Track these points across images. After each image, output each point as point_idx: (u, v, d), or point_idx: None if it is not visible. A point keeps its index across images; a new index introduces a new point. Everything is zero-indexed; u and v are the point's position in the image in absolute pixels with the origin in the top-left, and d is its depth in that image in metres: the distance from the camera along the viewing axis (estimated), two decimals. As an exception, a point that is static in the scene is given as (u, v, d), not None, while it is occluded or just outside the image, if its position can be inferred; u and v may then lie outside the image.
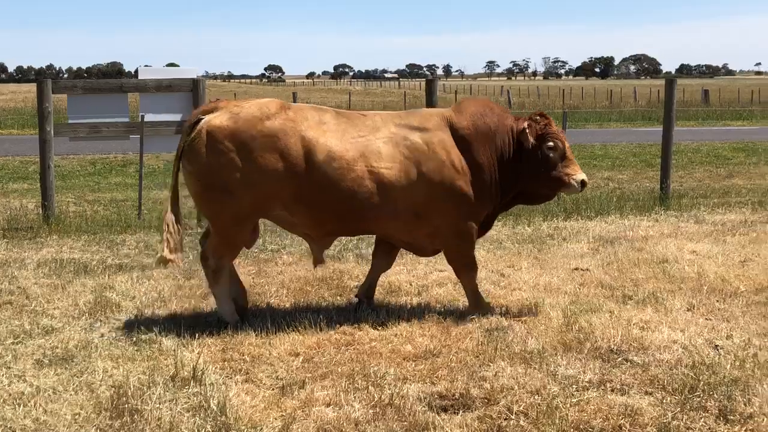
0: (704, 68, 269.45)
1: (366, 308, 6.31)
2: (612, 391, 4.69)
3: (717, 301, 6.54)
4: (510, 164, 6.18)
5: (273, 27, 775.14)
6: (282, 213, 5.93)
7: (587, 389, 4.70)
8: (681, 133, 22.26)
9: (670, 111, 11.88)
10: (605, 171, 17.30)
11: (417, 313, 6.19)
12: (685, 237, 9.12)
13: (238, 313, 6.08)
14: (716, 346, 5.43)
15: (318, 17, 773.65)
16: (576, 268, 7.58)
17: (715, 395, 4.55)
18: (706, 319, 6.08)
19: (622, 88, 68.84)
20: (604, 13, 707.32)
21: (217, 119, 5.76)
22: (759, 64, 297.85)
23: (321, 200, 5.81)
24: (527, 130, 6.13)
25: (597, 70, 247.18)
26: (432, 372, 4.96)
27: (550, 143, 6.17)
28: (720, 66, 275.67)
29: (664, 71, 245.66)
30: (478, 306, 6.25)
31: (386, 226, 6.09)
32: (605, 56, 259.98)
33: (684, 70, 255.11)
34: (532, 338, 5.56)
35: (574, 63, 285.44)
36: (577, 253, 8.33)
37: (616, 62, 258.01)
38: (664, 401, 4.53)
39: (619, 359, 5.18)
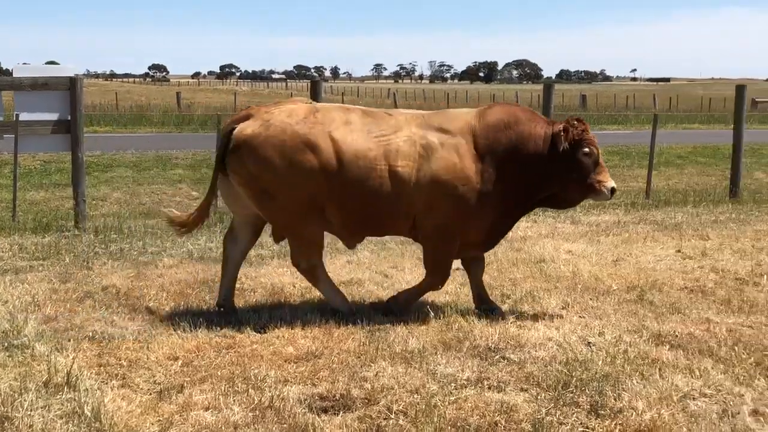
0: (583, 74, 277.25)
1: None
2: (489, 388, 4.77)
3: (590, 299, 6.75)
4: (540, 168, 6.11)
5: (157, 26, 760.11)
6: (325, 206, 6.03)
7: (465, 387, 4.77)
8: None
9: (547, 115, 12.17)
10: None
11: (300, 314, 6.16)
12: (561, 237, 9.38)
13: (230, 313, 6.21)
14: (589, 343, 5.60)
15: (204, 16, 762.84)
16: (457, 268, 7.68)
17: (587, 391, 4.69)
18: (580, 316, 6.26)
19: (504, 92, 70.41)
20: (488, 18, 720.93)
21: (249, 128, 5.95)
22: (634, 70, 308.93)
23: (348, 199, 5.96)
24: (562, 134, 6.07)
25: (481, 74, 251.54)
26: (313, 373, 4.94)
27: (586, 149, 6.12)
28: (598, 72, 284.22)
29: (545, 76, 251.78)
30: (406, 301, 6.33)
31: (400, 225, 6.19)
32: (489, 61, 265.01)
33: (564, 76, 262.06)
34: (413, 338, 5.61)
35: (460, 67, 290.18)
36: (459, 254, 8.45)
37: (500, 67, 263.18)
38: (539, 397, 4.64)
39: (497, 357, 5.28)
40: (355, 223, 6.16)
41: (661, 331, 5.87)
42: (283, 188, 5.91)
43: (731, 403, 4.61)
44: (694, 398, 4.66)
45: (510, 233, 6.88)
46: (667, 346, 5.54)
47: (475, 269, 6.55)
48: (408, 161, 5.98)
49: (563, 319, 6.12)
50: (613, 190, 6.22)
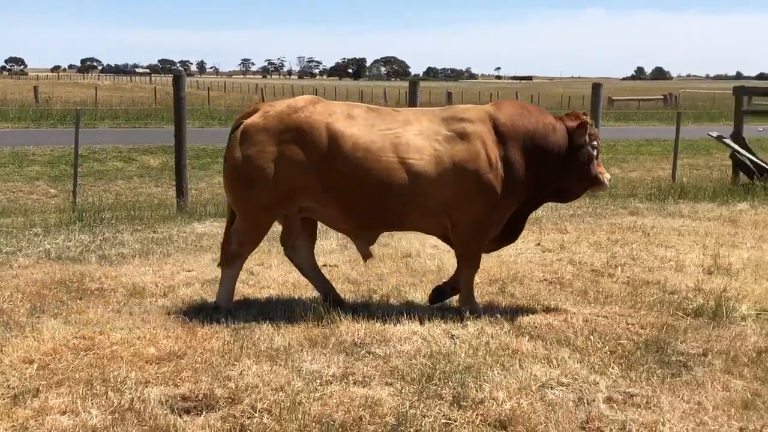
0: (449, 72, 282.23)
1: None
2: (354, 383, 4.79)
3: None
4: (553, 162, 6.24)
5: (14, 16, 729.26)
6: (314, 206, 6.10)
7: (330, 383, 4.77)
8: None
9: (413, 112, 12.33)
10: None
11: (162, 314, 6.03)
12: (427, 232, 9.49)
13: (338, 305, 6.23)
14: (452, 335, 5.69)
15: (65, 7, 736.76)
16: (324, 265, 7.69)
17: (450, 383, 4.77)
18: (445, 310, 6.36)
19: (373, 89, 70.88)
20: (357, 15, 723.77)
21: (251, 119, 6.07)
22: (499, 68, 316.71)
23: (348, 191, 5.95)
24: (580, 129, 6.27)
25: (350, 70, 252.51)
26: (175, 374, 4.84)
27: (594, 142, 6.36)
28: (464, 70, 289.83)
29: (412, 73, 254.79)
30: (468, 301, 6.33)
31: (418, 220, 6.20)
32: (358, 57, 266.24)
33: (431, 73, 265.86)
34: (278, 335, 5.57)
35: (328, 63, 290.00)
36: (326, 250, 8.46)
37: (368, 64, 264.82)
38: (403, 391, 4.69)
39: (363, 352, 5.30)
40: (361, 215, 6.09)
41: (521, 322, 6.02)
42: (265, 177, 5.93)
43: (587, 391, 4.77)
44: (551, 387, 4.80)
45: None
46: (527, 337, 5.69)
47: None
48: (422, 155, 5.96)
49: (428, 313, 6.19)
50: (609, 181, 6.54)
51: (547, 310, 6.41)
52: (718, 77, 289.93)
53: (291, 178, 5.93)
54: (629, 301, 6.66)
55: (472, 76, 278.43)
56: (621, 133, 28.95)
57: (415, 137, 6.02)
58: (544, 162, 6.22)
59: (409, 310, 6.25)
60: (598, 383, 4.89)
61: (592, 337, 5.69)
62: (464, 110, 6.29)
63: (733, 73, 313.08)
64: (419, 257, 8.06)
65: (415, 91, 12.37)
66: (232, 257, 6.22)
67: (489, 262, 7.92)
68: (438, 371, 4.92)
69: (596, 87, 13.97)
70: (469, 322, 5.95)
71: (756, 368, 5.17)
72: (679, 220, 10.82)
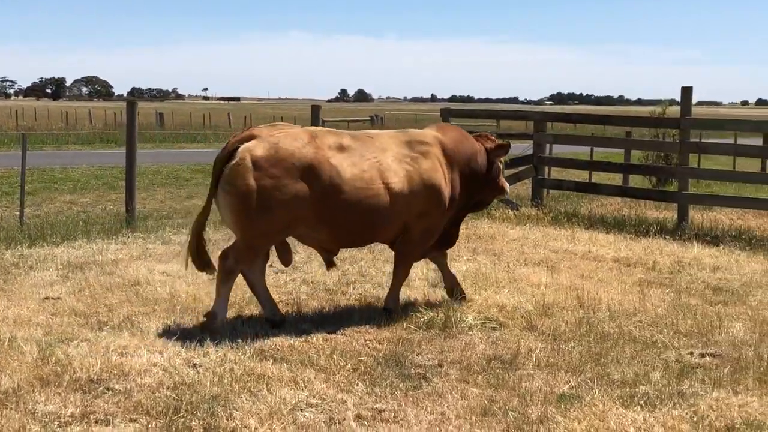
0: (156, 92, 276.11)
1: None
2: (96, 422, 4.54)
3: (191, 319, 6.69)
4: (479, 178, 7.32)
5: None
6: (307, 231, 6.65)
7: (70, 424, 4.49)
8: (141, 155, 22.44)
9: (132, 133, 11.94)
10: (67, 195, 16.75)
11: None
12: (154, 258, 9.20)
13: (280, 324, 6.58)
14: (195, 364, 5.55)
15: None
16: (47, 298, 7.22)
17: (198, 413, 4.65)
18: (183, 338, 6.17)
19: (76, 109, 67.64)
20: (54, 33, 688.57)
21: (259, 148, 6.35)
22: (206, 89, 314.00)
23: (343, 218, 6.56)
24: (499, 150, 7.43)
25: (48, 90, 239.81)
26: None
27: (503, 158, 7.65)
28: (170, 90, 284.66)
29: (116, 94, 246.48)
30: (394, 300, 7.09)
31: (389, 234, 6.94)
32: (57, 77, 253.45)
33: (135, 93, 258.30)
34: (5, 376, 5.14)
35: (24, 83, 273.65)
36: (47, 281, 7.93)
37: (68, 83, 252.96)
38: (150, 426, 4.51)
39: (101, 388, 5.03)
40: (348, 236, 6.83)
41: (263, 346, 5.99)
42: (275, 207, 6.33)
43: (336, 410, 4.84)
44: (302, 410, 4.82)
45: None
46: (271, 361, 5.68)
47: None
48: (399, 177, 6.70)
49: (166, 343, 5.99)
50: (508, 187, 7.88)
51: (287, 331, 6.42)
52: (415, 99, 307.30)
53: (297, 209, 6.41)
54: (364, 318, 6.83)
55: (179, 96, 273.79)
56: (335, 154, 29.78)
57: (392, 162, 6.76)
58: (474, 178, 7.27)
59: (145, 341, 6.01)
60: (346, 402, 4.97)
61: (334, 356, 5.78)
62: (420, 134, 7.17)
63: (428, 95, 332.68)
64: (149, 285, 7.78)
65: (134, 113, 11.93)
66: (230, 272, 6.52)
67: (210, 286, 7.80)
68: (184, 402, 4.78)
69: (315, 109, 14.25)
70: (210, 350, 5.83)
71: (488, 375, 5.50)
72: (399, 237, 11.28)
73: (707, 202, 13.12)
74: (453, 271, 7.72)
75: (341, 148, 6.62)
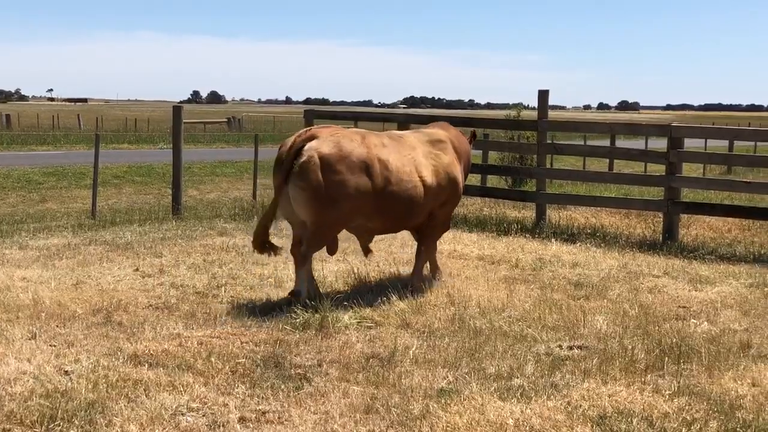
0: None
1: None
2: (-35, 435, 4.31)
3: (57, 326, 6.45)
4: (468, 170, 8.79)
5: None
6: (362, 221, 7.57)
7: (-63, 439, 4.25)
8: (-12, 157, 21.58)
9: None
10: None
11: None
12: (12, 264, 8.82)
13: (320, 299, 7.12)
14: (66, 371, 5.35)
15: None
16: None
17: (76, 421, 4.51)
18: (51, 345, 5.94)
19: None
20: None
21: (325, 147, 7.13)
22: (51, 90, 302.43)
23: (392, 208, 7.52)
24: (472, 141, 9.13)
25: None
26: None
27: None
28: (13, 91, 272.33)
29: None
30: (421, 277, 8.16)
31: (419, 220, 7.94)
32: None
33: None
34: None
35: None
36: None
37: None
38: (24, 437, 4.32)
39: (-32, 400, 4.79)
40: (393, 225, 7.90)
41: (137, 351, 5.84)
42: (342, 200, 7.14)
43: (219, 413, 4.77)
44: (183, 414, 4.74)
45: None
46: (147, 366, 5.54)
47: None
48: (428, 171, 7.75)
49: (34, 350, 5.75)
50: None
51: (160, 335, 6.28)
52: (269, 101, 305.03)
53: (359, 201, 7.25)
54: (238, 320, 6.76)
55: (23, 97, 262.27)
56: (194, 155, 29.28)
57: (422, 158, 7.78)
58: (467, 171, 8.69)
59: (11, 348, 5.76)
60: (227, 404, 4.91)
61: (211, 359, 5.69)
62: (435, 133, 8.24)
63: (283, 98, 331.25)
64: (10, 291, 7.44)
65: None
66: (304, 257, 7.32)
67: (89, 291, 7.59)
68: (60, 411, 4.61)
69: (177, 110, 13.97)
70: (81, 356, 5.65)
71: (368, 373, 5.54)
72: (267, 239, 11.18)
73: (563, 202, 13.60)
74: (324, 272, 7.77)
75: (384, 147, 7.51)
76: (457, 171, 8.09)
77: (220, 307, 7.24)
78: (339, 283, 8.10)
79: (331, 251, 7.76)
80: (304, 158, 7.05)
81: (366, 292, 7.71)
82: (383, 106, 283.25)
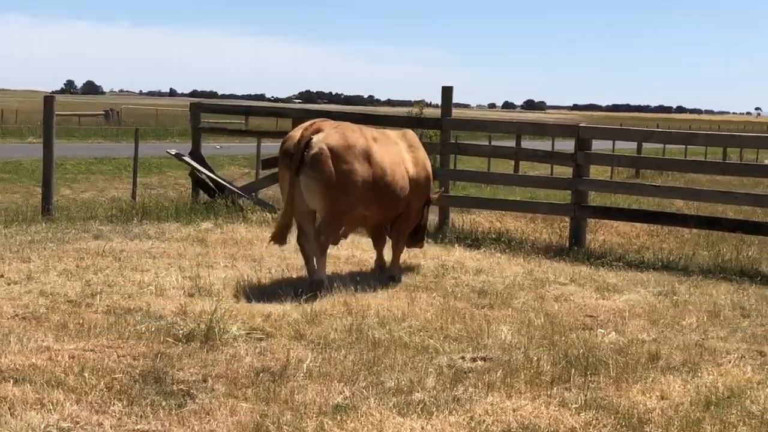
0: None
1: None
2: None
3: None
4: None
5: None
6: (362, 211, 8.54)
7: None
8: None
9: None
10: None
11: None
12: None
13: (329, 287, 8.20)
14: None
15: None
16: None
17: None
18: None
19: None
20: None
21: (332, 139, 8.11)
22: None
23: (386, 197, 8.56)
24: None
25: None
26: None
27: None
28: None
29: None
30: (399, 266, 9.31)
31: (400, 210, 8.96)
32: None
33: None
34: None
35: None
36: None
37: None
38: None
39: None
40: (384, 215, 8.86)
41: (0, 365, 5.63)
42: (352, 187, 8.14)
43: (92, 433, 4.65)
44: (53, 435, 4.59)
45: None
46: (11, 382, 5.33)
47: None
48: (410, 164, 8.93)
49: None
50: None
51: (27, 349, 6.07)
52: (152, 93, 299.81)
53: (363, 189, 8.24)
54: (115, 332, 6.60)
55: None
56: (67, 151, 28.44)
57: (404, 152, 8.96)
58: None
59: None
60: (102, 424, 4.79)
61: (84, 374, 5.53)
62: (407, 131, 9.60)
63: (166, 89, 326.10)
64: None
65: None
66: (324, 246, 8.24)
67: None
68: None
69: (49, 100, 13.53)
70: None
71: (257, 389, 5.48)
72: (147, 242, 10.92)
73: (468, 205, 13.75)
74: (211, 279, 7.68)
75: (376, 140, 8.56)
76: (429, 166, 9.35)
77: (95, 317, 7.05)
78: (227, 291, 8.00)
79: (345, 234, 9.08)
80: (315, 150, 7.98)
81: (256, 301, 7.64)
82: (277, 100, 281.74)
